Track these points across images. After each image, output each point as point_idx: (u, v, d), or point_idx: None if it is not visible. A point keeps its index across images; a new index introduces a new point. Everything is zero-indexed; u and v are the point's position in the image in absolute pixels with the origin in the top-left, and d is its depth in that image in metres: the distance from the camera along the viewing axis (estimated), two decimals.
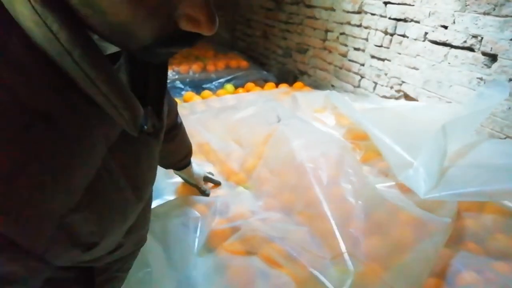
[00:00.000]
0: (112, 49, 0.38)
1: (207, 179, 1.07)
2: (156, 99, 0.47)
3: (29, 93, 0.30)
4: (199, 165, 1.08)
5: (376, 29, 1.64)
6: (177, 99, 1.75)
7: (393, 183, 0.98)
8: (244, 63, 2.47)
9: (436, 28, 1.34)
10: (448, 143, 0.91)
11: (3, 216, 0.30)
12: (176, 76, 2.17)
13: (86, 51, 0.31)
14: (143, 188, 0.49)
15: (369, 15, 1.68)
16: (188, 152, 0.92)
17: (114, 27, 0.31)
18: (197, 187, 1.03)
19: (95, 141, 0.37)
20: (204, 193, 1.04)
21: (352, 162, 1.00)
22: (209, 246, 0.83)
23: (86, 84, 0.33)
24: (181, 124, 0.83)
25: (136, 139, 0.44)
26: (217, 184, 1.09)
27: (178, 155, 0.90)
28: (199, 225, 0.86)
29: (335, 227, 0.79)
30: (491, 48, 1.14)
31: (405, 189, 0.93)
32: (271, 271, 0.76)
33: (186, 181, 1.03)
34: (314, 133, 1.17)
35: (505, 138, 1.14)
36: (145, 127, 0.41)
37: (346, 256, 0.73)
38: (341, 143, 1.13)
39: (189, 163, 0.96)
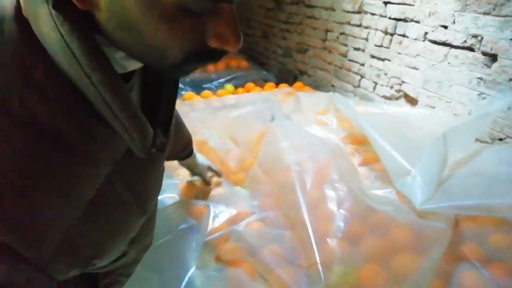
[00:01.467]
0: (132, 66, 0.39)
1: (210, 169, 1.07)
2: (166, 117, 0.48)
3: (45, 113, 0.32)
4: (203, 157, 1.08)
5: (376, 29, 1.64)
6: (177, 99, 1.76)
7: (391, 189, 0.96)
8: (244, 63, 2.47)
9: (436, 28, 1.34)
10: (448, 151, 0.89)
11: (13, 229, 0.31)
12: None
13: (104, 76, 0.33)
14: (147, 201, 0.51)
15: (369, 15, 1.68)
16: (188, 142, 0.92)
17: (148, 48, 0.33)
18: (202, 176, 1.03)
19: (99, 159, 0.39)
20: (209, 183, 1.04)
21: (343, 166, 0.98)
22: (202, 257, 0.84)
23: (101, 106, 0.34)
24: (175, 116, 0.83)
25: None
26: (219, 175, 1.09)
27: (177, 146, 0.89)
28: (194, 236, 0.87)
29: (312, 235, 0.78)
30: (491, 48, 1.14)
31: (401, 196, 0.92)
32: (252, 284, 0.76)
33: (191, 171, 1.03)
34: (305, 136, 1.16)
35: (505, 138, 1.14)
36: (154, 149, 0.43)
37: (319, 267, 0.72)
38: (334, 147, 1.10)
39: (191, 153, 0.96)
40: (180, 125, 0.86)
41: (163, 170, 0.56)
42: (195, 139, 0.94)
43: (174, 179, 1.07)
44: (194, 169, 1.02)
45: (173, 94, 0.49)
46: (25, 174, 0.32)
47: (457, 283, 0.72)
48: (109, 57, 0.34)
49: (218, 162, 1.19)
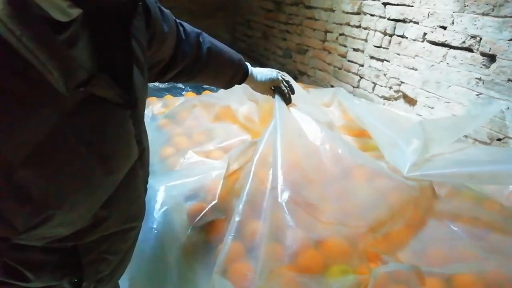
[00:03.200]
0: (77, 13, 0.39)
1: (277, 90, 0.97)
2: (125, 72, 0.48)
3: None
4: (271, 71, 0.98)
5: (375, 30, 1.65)
6: (176, 99, 1.76)
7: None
8: None
9: (435, 28, 1.34)
10: (428, 135, 0.95)
11: None
12: None
13: (10, 8, 0.33)
14: (113, 159, 0.49)
15: (368, 16, 1.68)
16: (234, 72, 0.90)
17: None
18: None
19: (39, 104, 0.39)
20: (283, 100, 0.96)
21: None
22: None
23: (16, 44, 0.34)
24: (207, 55, 0.82)
25: (101, 107, 0.45)
26: (288, 95, 0.98)
27: (223, 78, 0.90)
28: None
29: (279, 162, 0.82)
30: (490, 48, 1.15)
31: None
32: None
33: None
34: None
35: (503, 138, 1.15)
36: (81, 89, 0.41)
37: (279, 189, 0.78)
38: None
39: (243, 79, 0.92)
40: (217, 59, 0.85)
41: (132, 132, 0.53)
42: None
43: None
44: (262, 92, 0.98)
45: (128, 51, 0.49)
46: None
47: (458, 279, 0.74)
48: (53, 6, 0.35)
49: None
